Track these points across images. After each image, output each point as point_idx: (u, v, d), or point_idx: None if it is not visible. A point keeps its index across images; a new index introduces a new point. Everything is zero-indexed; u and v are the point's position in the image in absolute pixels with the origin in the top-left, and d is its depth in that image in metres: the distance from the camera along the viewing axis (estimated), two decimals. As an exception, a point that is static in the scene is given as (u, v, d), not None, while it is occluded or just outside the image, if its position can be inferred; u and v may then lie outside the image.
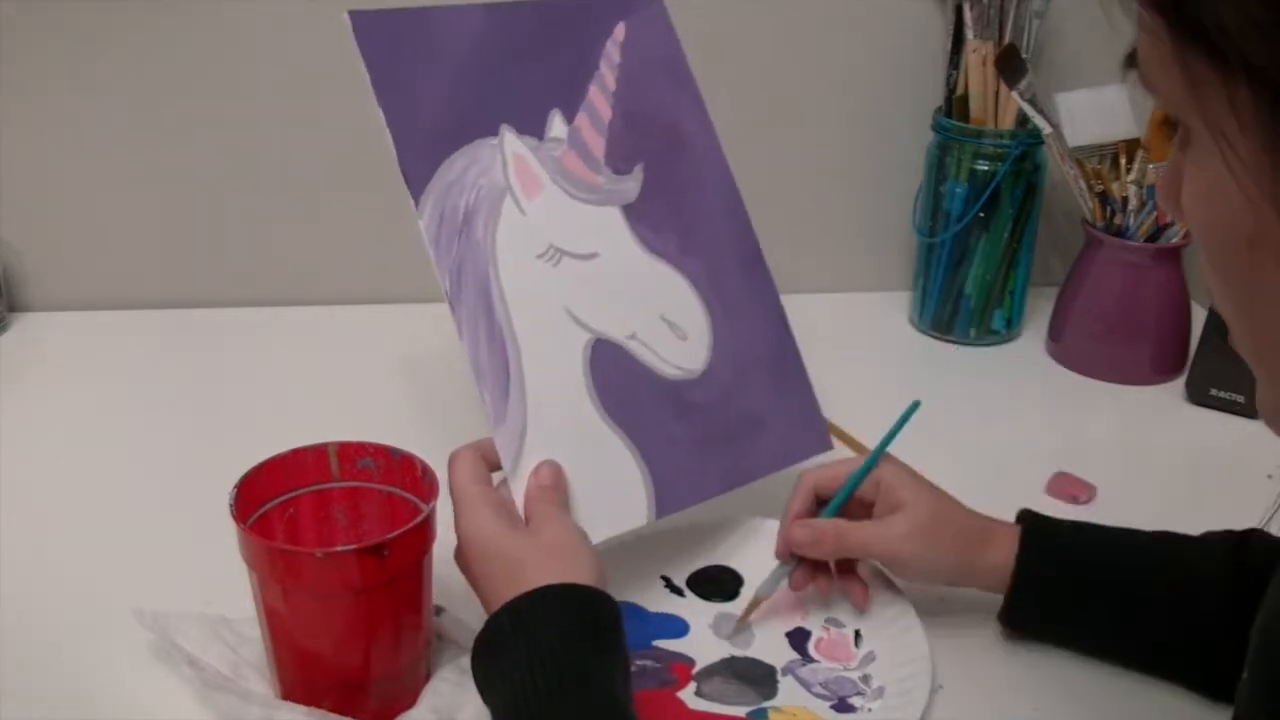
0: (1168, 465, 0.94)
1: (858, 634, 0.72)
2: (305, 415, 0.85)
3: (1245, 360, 0.45)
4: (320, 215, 1.13)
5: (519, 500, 0.67)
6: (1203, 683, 0.67)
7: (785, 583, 0.73)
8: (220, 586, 0.67)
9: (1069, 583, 0.69)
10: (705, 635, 0.72)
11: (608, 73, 0.75)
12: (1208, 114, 0.39)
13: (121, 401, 0.98)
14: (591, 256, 0.72)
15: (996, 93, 1.06)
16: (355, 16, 0.68)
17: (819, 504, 0.74)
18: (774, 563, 0.77)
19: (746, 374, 0.76)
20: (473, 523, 0.63)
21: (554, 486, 0.67)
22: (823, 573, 0.74)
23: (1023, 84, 1.01)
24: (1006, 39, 1.05)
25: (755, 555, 0.78)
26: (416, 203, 0.68)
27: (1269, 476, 0.89)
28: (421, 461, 0.67)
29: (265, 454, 0.67)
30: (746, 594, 0.75)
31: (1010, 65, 1.02)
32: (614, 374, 0.71)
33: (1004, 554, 0.69)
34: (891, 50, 1.14)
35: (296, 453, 0.68)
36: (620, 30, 0.76)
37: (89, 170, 1.09)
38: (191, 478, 0.81)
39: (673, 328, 0.74)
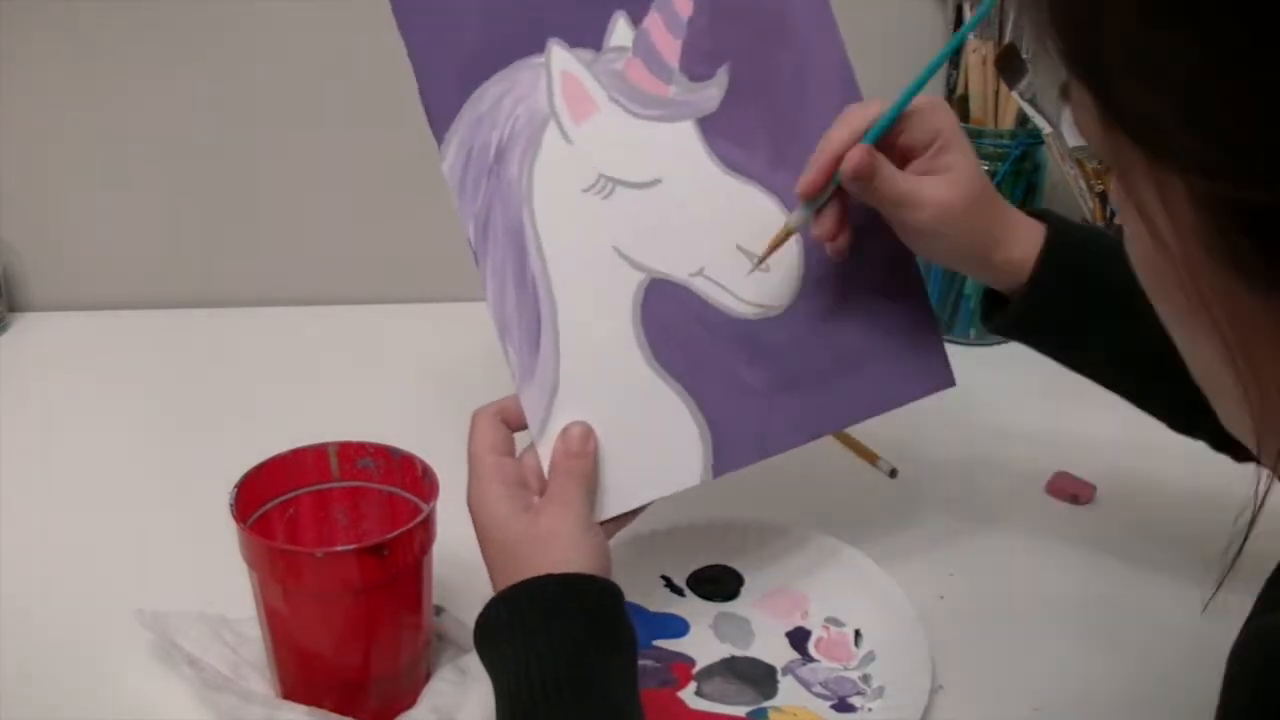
0: (1168, 465, 0.93)
1: (858, 634, 0.72)
2: (305, 415, 0.85)
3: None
4: (321, 216, 1.13)
5: (546, 464, 0.63)
6: (1173, 415, 0.68)
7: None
8: (220, 586, 0.67)
9: (1080, 305, 0.65)
10: (705, 635, 0.72)
11: None
12: (1138, 199, 0.36)
13: (121, 401, 0.98)
14: (652, 184, 0.64)
15: (996, 93, 1.07)
16: None
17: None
18: (773, 562, 0.77)
19: (847, 305, 0.66)
20: (476, 497, 0.61)
21: (580, 452, 0.63)
22: (843, 228, 0.65)
23: (1023, 84, 1.01)
24: (1006, 39, 1.05)
25: (756, 555, 0.78)
26: (440, 141, 0.62)
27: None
28: (421, 461, 0.67)
29: (265, 454, 0.67)
30: (747, 594, 0.75)
31: (1010, 65, 1.01)
32: (671, 318, 0.65)
33: (1020, 253, 0.64)
34: (891, 50, 1.14)
35: (296, 453, 0.68)
36: None
37: (89, 170, 1.09)
38: (191, 478, 0.81)
39: (752, 258, 0.66)
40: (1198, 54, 0.33)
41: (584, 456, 0.63)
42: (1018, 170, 1.07)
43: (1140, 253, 0.39)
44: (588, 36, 0.64)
